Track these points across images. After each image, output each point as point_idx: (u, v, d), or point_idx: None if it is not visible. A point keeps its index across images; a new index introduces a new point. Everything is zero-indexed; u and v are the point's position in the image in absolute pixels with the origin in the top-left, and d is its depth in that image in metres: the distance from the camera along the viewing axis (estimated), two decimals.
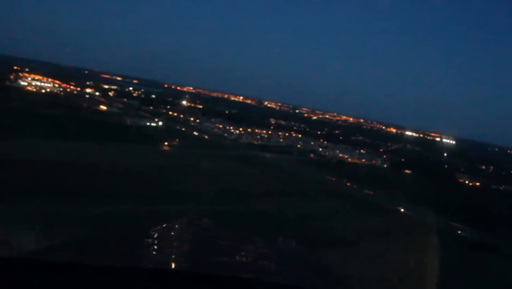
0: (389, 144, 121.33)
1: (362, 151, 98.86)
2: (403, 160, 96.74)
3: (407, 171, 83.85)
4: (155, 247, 3.84)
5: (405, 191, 52.96)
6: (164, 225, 4.51)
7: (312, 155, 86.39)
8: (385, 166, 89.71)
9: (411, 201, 48.72)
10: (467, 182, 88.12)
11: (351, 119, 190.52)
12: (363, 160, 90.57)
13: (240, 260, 3.72)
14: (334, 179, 62.18)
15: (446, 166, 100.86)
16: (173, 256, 3.49)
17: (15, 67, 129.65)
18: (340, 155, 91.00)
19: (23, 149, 38.49)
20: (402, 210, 48.55)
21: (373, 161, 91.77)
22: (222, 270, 3.03)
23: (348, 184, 60.61)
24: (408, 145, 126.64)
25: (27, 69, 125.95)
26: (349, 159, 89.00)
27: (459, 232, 45.42)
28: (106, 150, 47.66)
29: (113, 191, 32.40)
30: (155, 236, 4.13)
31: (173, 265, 3.21)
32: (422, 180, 71.82)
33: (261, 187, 45.54)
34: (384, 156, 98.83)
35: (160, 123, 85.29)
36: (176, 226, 4.73)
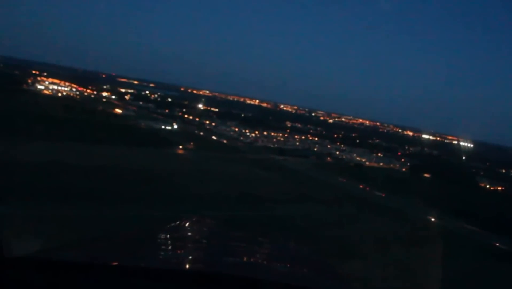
0: (407, 147, 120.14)
1: (379, 154, 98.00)
2: (421, 163, 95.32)
3: (426, 175, 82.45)
4: (164, 247, 3.86)
5: (429, 197, 51.39)
6: (173, 225, 4.53)
7: (329, 158, 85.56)
8: (403, 169, 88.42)
9: (438, 207, 47.46)
10: (488, 186, 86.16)
11: (367, 122, 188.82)
12: (381, 164, 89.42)
13: (248, 260, 3.71)
14: (350, 183, 61.06)
15: (465, 170, 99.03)
16: (182, 256, 3.49)
17: (33, 72, 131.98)
18: (358, 158, 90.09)
19: (36, 152, 38.53)
20: (432, 219, 46.76)
21: (391, 164, 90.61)
22: (232, 270, 3.02)
23: (361, 187, 59.59)
24: (425, 148, 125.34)
25: (45, 74, 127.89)
26: (367, 163, 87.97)
27: (480, 238, 43.88)
28: (119, 153, 47.46)
29: (122, 194, 31.89)
30: (164, 236, 4.20)
31: (182, 265, 3.18)
32: (442, 184, 70.33)
33: (276, 192, 44.66)
34: (402, 159, 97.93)
35: (176, 126, 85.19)
36: (185, 227, 4.74)
